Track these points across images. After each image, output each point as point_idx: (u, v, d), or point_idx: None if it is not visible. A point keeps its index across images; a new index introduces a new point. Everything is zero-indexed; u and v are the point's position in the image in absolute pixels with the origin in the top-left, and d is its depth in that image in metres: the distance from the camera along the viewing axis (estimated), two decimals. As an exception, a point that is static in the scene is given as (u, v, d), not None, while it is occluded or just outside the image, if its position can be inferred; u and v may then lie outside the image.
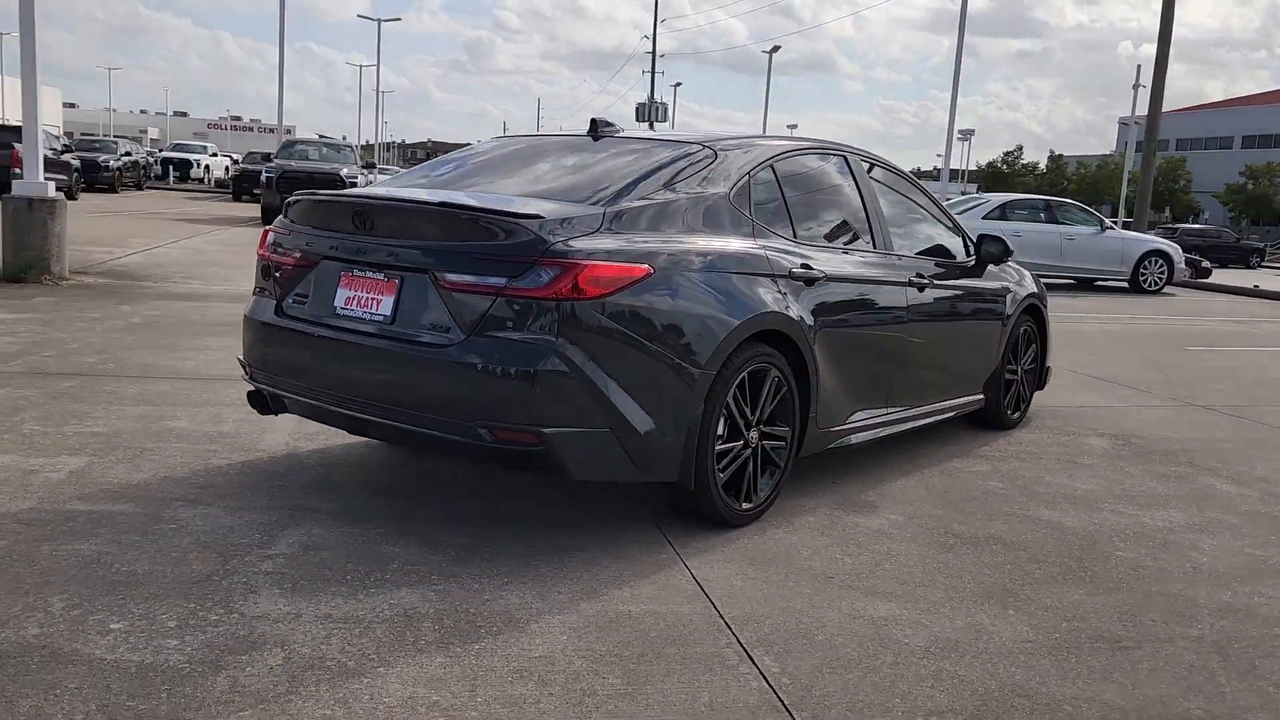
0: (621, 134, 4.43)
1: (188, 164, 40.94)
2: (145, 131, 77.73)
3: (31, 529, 3.40)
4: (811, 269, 4.14)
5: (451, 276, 3.34)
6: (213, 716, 2.33)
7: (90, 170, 28.60)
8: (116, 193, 29.18)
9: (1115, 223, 23.67)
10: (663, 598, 3.20)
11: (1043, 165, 77.13)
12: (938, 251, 5.34)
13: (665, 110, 54.65)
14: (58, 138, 27.55)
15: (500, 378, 3.24)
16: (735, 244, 3.86)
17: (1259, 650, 3.12)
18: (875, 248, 4.73)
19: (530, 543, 3.58)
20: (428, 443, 3.54)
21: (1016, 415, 6.13)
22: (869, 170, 4.93)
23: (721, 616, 3.08)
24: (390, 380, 3.46)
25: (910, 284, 4.80)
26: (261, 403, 3.98)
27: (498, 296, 3.27)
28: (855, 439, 4.56)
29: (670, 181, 3.84)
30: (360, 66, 66.08)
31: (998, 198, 18.99)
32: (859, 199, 4.75)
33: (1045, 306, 6.31)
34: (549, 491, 4.14)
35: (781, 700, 2.60)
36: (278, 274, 3.88)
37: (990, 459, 5.27)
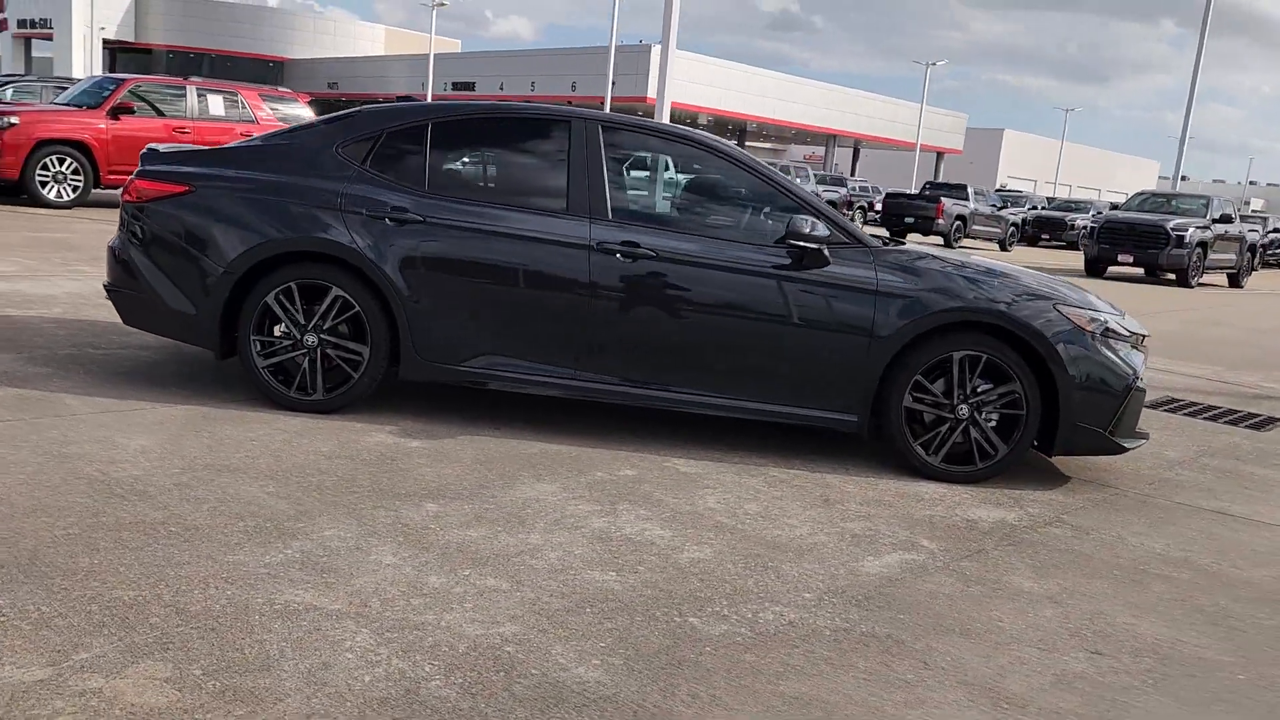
0: (399, 105, 5.30)
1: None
2: (1248, 202, 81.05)
3: None
4: (406, 213, 4.63)
5: None
6: None
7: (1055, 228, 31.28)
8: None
9: None
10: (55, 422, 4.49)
11: None
12: (795, 236, 4.66)
13: None
14: (981, 193, 28.80)
15: (109, 254, 5.04)
16: (296, 181, 4.69)
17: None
18: (569, 211, 4.69)
19: (146, 379, 5.03)
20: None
21: (963, 470, 4.67)
22: (611, 142, 4.83)
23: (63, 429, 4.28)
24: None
25: (601, 250, 4.59)
26: None
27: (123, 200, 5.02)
28: (495, 385, 4.75)
29: (296, 134, 5.00)
30: None
31: None
32: (565, 165, 4.76)
33: (1047, 337, 4.55)
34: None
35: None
36: None
37: (726, 465, 4.51)
